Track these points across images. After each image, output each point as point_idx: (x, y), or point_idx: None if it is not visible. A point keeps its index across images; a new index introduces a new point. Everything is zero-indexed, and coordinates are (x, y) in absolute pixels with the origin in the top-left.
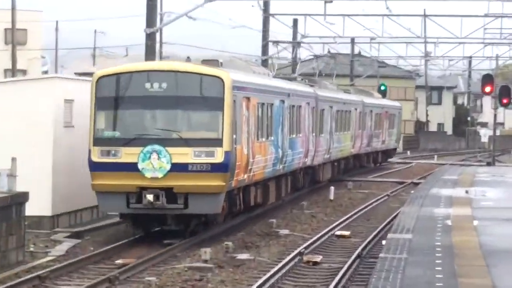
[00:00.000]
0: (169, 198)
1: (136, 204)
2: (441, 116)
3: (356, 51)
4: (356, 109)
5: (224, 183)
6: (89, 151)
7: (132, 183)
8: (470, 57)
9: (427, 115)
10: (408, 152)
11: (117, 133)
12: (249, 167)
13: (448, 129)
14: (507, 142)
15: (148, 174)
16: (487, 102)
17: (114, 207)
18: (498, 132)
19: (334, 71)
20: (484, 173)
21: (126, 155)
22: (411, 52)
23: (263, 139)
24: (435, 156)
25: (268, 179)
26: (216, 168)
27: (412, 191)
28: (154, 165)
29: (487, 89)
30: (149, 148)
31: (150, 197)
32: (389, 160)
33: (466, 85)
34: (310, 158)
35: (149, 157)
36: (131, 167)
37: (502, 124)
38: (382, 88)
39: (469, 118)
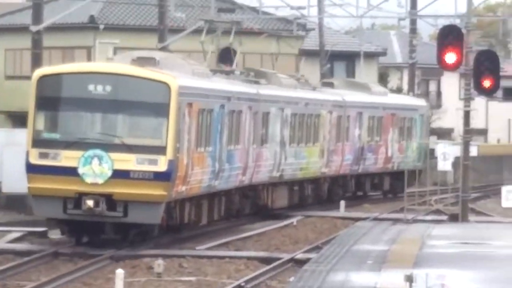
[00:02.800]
0: (109, 205)
1: (74, 210)
2: None
3: None
4: (330, 112)
5: (166, 193)
6: (27, 152)
7: (71, 188)
8: None
9: None
10: None
11: (58, 135)
12: (188, 179)
13: None
14: (494, 169)
15: (88, 180)
16: (451, 86)
17: (50, 212)
18: (474, 151)
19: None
20: (443, 238)
21: (66, 158)
22: None
23: (202, 150)
24: (341, 203)
25: (202, 196)
26: (158, 177)
27: (291, 279)
28: (95, 170)
29: (450, 57)
30: (90, 152)
31: (89, 203)
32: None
33: (406, 50)
34: (249, 175)
35: (90, 162)
36: (71, 172)
37: (484, 132)
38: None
39: None
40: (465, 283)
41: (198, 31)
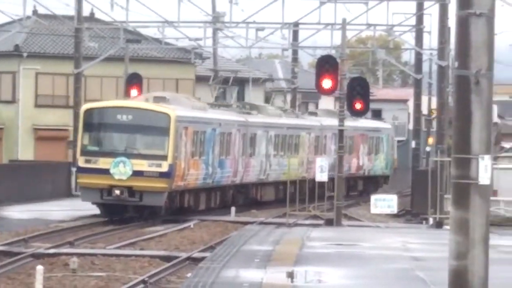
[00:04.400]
0: (130, 193)
1: (107, 196)
2: None
3: (86, 12)
4: (309, 133)
5: (167, 185)
6: (77, 159)
7: (105, 182)
8: (296, 23)
9: None
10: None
11: (97, 148)
12: (185, 177)
13: None
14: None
15: (116, 177)
16: (327, 108)
17: (92, 198)
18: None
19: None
20: (320, 240)
21: (102, 163)
22: (187, 15)
23: (196, 158)
24: (232, 209)
25: (199, 189)
26: (162, 175)
27: (189, 274)
28: (121, 170)
29: (327, 83)
30: (118, 159)
31: (117, 192)
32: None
33: (288, 76)
34: (240, 177)
35: (118, 165)
36: (105, 171)
37: None
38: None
39: None
40: (338, 279)
41: (108, 59)
